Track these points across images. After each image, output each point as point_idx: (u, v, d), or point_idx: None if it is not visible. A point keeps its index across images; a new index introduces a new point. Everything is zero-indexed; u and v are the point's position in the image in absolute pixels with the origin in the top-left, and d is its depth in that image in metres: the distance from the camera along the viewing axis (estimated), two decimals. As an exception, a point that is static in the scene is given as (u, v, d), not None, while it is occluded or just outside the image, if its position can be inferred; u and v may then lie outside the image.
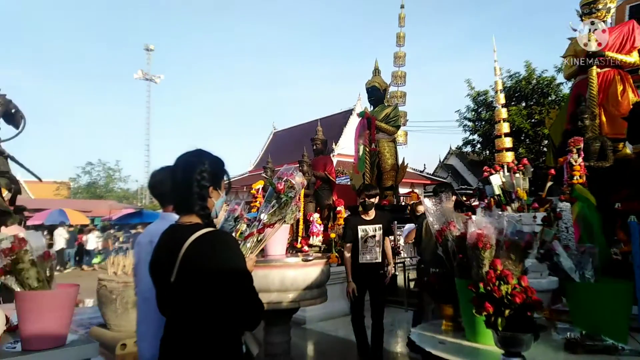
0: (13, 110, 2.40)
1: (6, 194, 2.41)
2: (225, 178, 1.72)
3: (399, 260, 7.05)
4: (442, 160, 29.94)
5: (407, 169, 9.95)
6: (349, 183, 10.53)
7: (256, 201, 7.06)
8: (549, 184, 3.96)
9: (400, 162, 9.05)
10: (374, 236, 4.24)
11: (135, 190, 38.10)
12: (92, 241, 17.32)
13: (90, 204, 25.30)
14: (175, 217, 1.99)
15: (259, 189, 7.91)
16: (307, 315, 5.95)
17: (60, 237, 15.98)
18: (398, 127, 9.28)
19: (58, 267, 15.86)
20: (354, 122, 22.79)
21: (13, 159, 2.39)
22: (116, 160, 46.34)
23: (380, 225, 4.28)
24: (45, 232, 15.00)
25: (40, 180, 2.65)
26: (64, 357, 1.73)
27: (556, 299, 3.00)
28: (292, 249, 5.75)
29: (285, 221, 2.19)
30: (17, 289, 1.78)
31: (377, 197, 4.44)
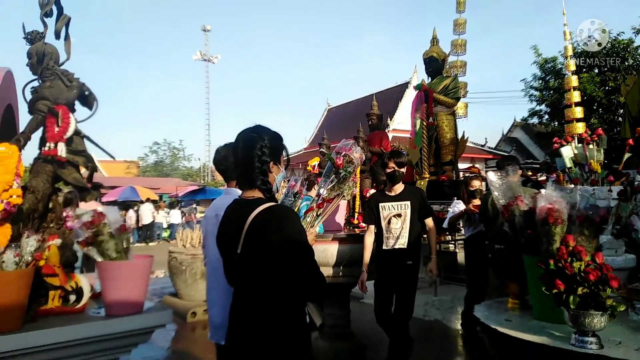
0: (86, 93, 2.55)
1: (84, 172, 2.58)
2: (284, 153, 1.74)
3: (459, 237, 6.89)
4: (505, 133, 28.47)
5: (467, 143, 9.55)
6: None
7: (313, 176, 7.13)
8: (627, 155, 3.65)
9: (460, 135, 8.70)
10: (400, 215, 3.44)
11: (198, 168, 39.84)
12: (161, 216, 18.53)
13: (158, 182, 26.82)
14: (237, 191, 2.07)
15: (314, 165, 7.97)
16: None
17: (148, 212, 17.39)
18: (458, 99, 8.87)
19: (146, 240, 17.37)
20: (409, 96, 22.14)
21: (89, 138, 2.55)
22: (180, 140, 48.56)
23: (408, 203, 3.45)
24: (119, 208, 16.21)
25: (113, 158, 2.82)
26: (142, 322, 1.88)
27: (634, 277, 2.81)
28: (349, 225, 5.77)
29: (343, 196, 2.19)
30: (99, 259, 1.94)
31: (405, 167, 3.55)
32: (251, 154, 1.61)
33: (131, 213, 16.83)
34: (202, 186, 24.05)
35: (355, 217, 6.48)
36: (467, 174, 6.47)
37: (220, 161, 2.17)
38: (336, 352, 3.59)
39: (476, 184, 4.84)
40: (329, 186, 2.15)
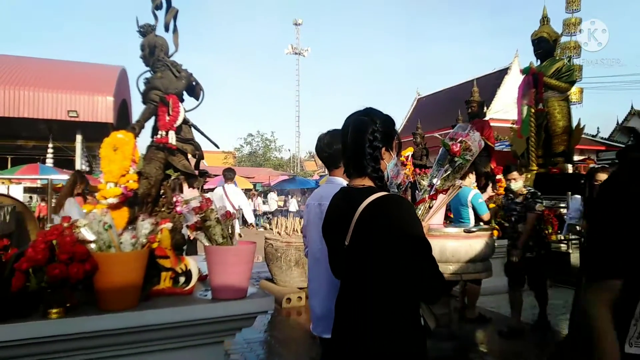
0: (194, 83, 2.62)
1: (191, 160, 2.67)
2: (396, 138, 1.60)
3: (573, 237, 6.18)
4: (620, 122, 25.19)
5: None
6: (507, 149, 9.57)
7: (405, 168, 6.87)
8: None
9: (575, 124, 7.81)
10: None
11: (288, 159, 41.11)
12: (257, 204, 19.69)
13: (252, 171, 28.15)
14: (341, 180, 1.97)
15: (408, 155, 7.69)
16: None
17: (273, 201, 18.75)
18: (572, 83, 7.97)
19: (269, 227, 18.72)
20: (509, 83, 20.54)
21: (196, 127, 2.62)
22: (271, 132, 50.47)
23: None
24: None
25: (217, 147, 2.89)
26: (247, 308, 1.88)
27: None
28: (446, 218, 5.45)
29: (460, 186, 1.99)
30: (206, 243, 1.97)
31: None
32: (362, 139, 1.48)
33: (270, 201, 18.35)
34: (293, 176, 24.78)
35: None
36: (592, 166, 5.74)
37: (323, 148, 2.09)
38: (439, 352, 3.40)
39: (603, 177, 4.21)
40: (443, 175, 1.96)
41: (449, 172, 1.95)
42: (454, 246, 3.33)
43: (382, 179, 1.50)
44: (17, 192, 11.94)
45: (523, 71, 8.22)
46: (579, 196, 4.58)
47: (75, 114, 17.98)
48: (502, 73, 23.45)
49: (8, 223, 5.05)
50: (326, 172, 2.52)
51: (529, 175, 7.09)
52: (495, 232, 5.69)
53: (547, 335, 4.52)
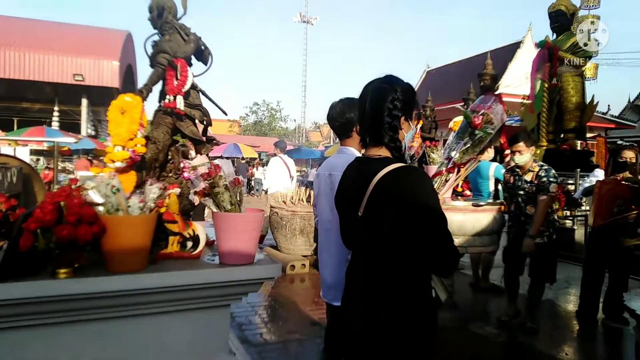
0: (202, 47, 2.55)
1: (199, 125, 2.63)
2: (415, 108, 1.55)
3: (579, 213, 6.16)
4: (632, 100, 24.69)
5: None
6: (517, 124, 9.42)
7: (414, 141, 6.80)
8: None
9: (588, 100, 7.64)
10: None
11: (293, 129, 40.92)
12: (259, 173, 19.61)
13: (257, 140, 28.10)
14: (352, 150, 1.94)
15: (416, 128, 7.58)
16: (468, 261, 5.70)
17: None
18: (589, 57, 7.74)
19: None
20: (522, 57, 20.08)
21: (204, 93, 2.58)
22: (277, 101, 50.08)
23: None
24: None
25: (225, 114, 2.84)
26: (254, 273, 1.89)
27: None
28: (453, 192, 5.43)
29: (479, 160, 1.94)
30: (214, 209, 1.97)
31: None
32: (381, 107, 1.44)
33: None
34: (297, 146, 24.71)
35: (459, 185, 6.09)
36: (619, 142, 5.61)
37: (334, 117, 2.04)
38: (450, 322, 3.45)
39: (629, 154, 4.06)
40: (462, 148, 1.90)
41: (468, 145, 1.90)
42: (460, 220, 3.32)
43: (399, 149, 1.47)
44: (23, 153, 11.96)
45: (538, 45, 7.99)
46: (601, 171, 4.47)
47: (81, 78, 17.86)
48: (515, 47, 22.89)
49: (15, 184, 5.08)
50: (331, 143, 2.48)
51: (537, 151, 7.00)
52: (502, 207, 5.69)
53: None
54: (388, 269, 1.37)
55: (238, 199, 1.98)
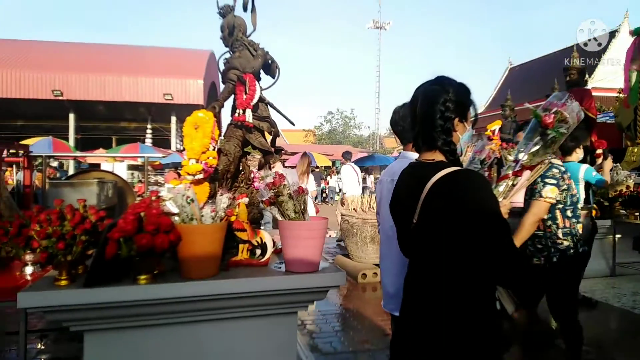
0: (270, 61, 2.64)
1: (268, 137, 2.72)
2: (471, 109, 1.48)
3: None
4: None
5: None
6: (611, 121, 8.56)
7: (491, 143, 6.44)
8: None
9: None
10: None
11: (368, 136, 40.80)
12: (334, 181, 19.78)
13: (331, 149, 28.39)
14: (415, 155, 1.89)
15: (494, 129, 7.19)
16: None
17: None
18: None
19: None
20: (617, 47, 18.26)
21: (272, 105, 2.66)
22: (351, 109, 50.30)
23: None
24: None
25: (293, 124, 2.91)
26: (318, 281, 1.90)
27: None
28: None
29: (550, 162, 1.80)
30: (279, 218, 2.02)
31: None
32: (432, 110, 1.39)
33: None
34: (372, 153, 24.58)
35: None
36: None
37: (397, 122, 2.00)
38: (517, 337, 3.20)
39: None
40: (532, 150, 1.77)
41: (538, 146, 1.75)
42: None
43: (454, 152, 1.40)
44: (121, 169, 13.25)
45: (633, 32, 7.20)
46: None
47: (170, 97, 19.41)
48: (609, 36, 20.88)
49: (111, 197, 5.65)
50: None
51: (635, 150, 6.28)
52: (594, 212, 5.17)
53: None
54: (446, 279, 1.30)
55: (302, 207, 2.01)
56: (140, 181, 14.51)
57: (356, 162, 22.65)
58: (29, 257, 2.16)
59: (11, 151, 5.55)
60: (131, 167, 16.54)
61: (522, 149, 1.79)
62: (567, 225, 2.67)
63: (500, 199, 1.73)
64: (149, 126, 21.04)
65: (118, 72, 19.07)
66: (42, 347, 3.53)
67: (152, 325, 1.79)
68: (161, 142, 21.49)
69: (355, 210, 5.81)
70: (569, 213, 2.67)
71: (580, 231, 2.79)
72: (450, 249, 1.29)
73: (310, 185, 6.68)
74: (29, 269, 2.24)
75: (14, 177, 9.67)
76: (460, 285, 1.29)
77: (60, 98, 18.29)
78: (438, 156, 1.41)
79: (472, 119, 1.48)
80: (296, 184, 2.06)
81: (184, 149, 2.28)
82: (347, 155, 9.25)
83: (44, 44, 20.57)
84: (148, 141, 20.27)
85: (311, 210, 6.43)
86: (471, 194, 1.28)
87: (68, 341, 3.52)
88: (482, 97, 30.03)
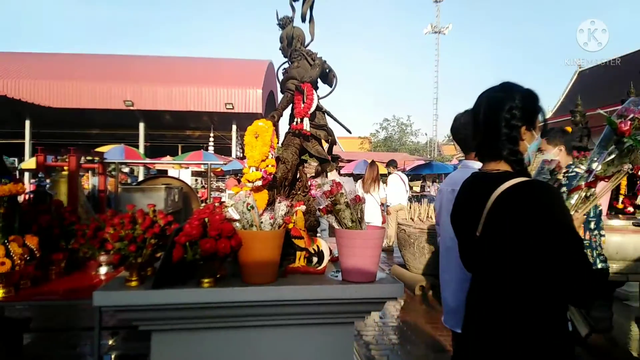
0: (327, 70, 2.67)
1: (325, 145, 2.74)
2: (540, 116, 1.40)
3: None
4: None
5: None
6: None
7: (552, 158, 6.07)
8: None
9: None
10: None
11: (425, 143, 39.95)
12: (382, 191, 19.60)
13: (387, 156, 28.04)
14: (478, 164, 1.82)
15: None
16: (632, 290, 4.83)
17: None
18: None
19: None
20: None
21: (329, 113, 2.68)
22: (408, 115, 49.57)
23: None
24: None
25: (349, 132, 2.91)
26: (375, 292, 1.88)
27: None
28: (611, 209, 4.68)
29: (628, 171, 1.66)
30: (336, 226, 2.02)
31: None
32: (497, 118, 1.33)
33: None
34: (429, 161, 23.99)
35: (620, 200, 5.26)
36: None
37: (458, 129, 1.94)
38: None
39: None
40: (606, 160, 1.64)
41: (613, 155, 1.62)
42: (618, 241, 2.84)
43: (521, 162, 1.33)
44: (185, 175, 13.91)
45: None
46: None
47: (231, 106, 20.20)
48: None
49: (177, 202, 5.94)
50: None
51: None
52: None
53: None
54: (512, 296, 1.23)
55: (359, 216, 2.00)
56: (203, 187, 15.17)
57: (413, 170, 22.34)
58: (103, 258, 2.31)
59: (87, 158, 6.00)
60: (195, 174, 17.34)
61: (595, 159, 1.66)
62: (587, 237, 2.56)
63: (572, 212, 1.62)
64: (211, 134, 21.97)
65: (184, 83, 20.16)
66: (113, 344, 3.76)
67: (213, 327, 1.86)
68: (223, 149, 22.37)
69: (413, 220, 5.69)
70: (592, 225, 2.51)
71: (604, 245, 2.63)
72: (518, 264, 1.22)
73: (382, 193, 6.69)
74: (103, 269, 2.40)
75: (89, 182, 10.47)
76: (528, 304, 1.22)
77: (131, 108, 19.65)
78: (503, 166, 1.35)
79: (540, 126, 1.39)
80: (353, 192, 2.06)
81: (244, 157, 2.36)
82: (393, 164, 9.13)
83: (116, 57, 22.22)
84: (210, 149, 21.16)
85: (378, 218, 6.39)
86: (544, 207, 1.20)
87: (137, 339, 3.73)
88: (549, 102, 28.45)
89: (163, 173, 14.34)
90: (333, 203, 1.99)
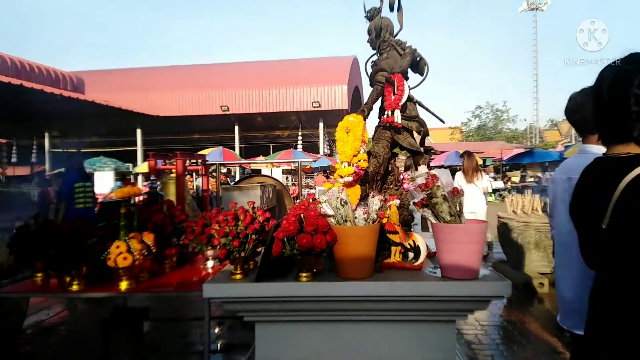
0: (418, 59, 2.57)
1: (416, 137, 2.65)
2: None
3: None
4: None
5: None
6: None
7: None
8: None
9: None
10: None
11: (524, 130, 37.12)
12: (485, 180, 18.44)
13: (481, 146, 26.61)
14: (597, 149, 1.62)
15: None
16: None
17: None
18: None
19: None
20: None
21: (420, 103, 2.59)
22: (503, 101, 46.47)
23: None
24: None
25: (443, 122, 2.78)
26: (479, 290, 1.77)
27: None
28: None
29: None
30: (433, 221, 1.94)
31: None
32: (625, 94, 1.15)
33: None
34: (529, 149, 22.20)
35: None
36: None
37: (574, 110, 1.73)
38: None
39: None
40: None
41: None
42: None
43: None
44: (277, 173, 14.50)
45: None
46: None
47: (318, 104, 20.61)
48: None
49: (271, 199, 6.21)
50: (573, 142, 2.13)
51: None
52: None
53: None
54: None
55: (458, 209, 1.90)
56: (293, 184, 15.68)
57: (511, 159, 20.89)
58: (210, 252, 2.47)
59: (192, 161, 6.52)
60: (285, 172, 17.99)
61: None
62: None
63: None
64: (299, 133, 22.61)
65: (273, 85, 21.03)
66: (219, 333, 4.04)
67: (312, 321, 1.89)
68: (310, 147, 22.92)
69: (516, 213, 5.29)
70: None
71: None
72: None
73: (484, 182, 6.37)
74: (210, 263, 2.58)
75: (193, 182, 11.37)
76: None
77: (227, 112, 20.98)
78: (634, 149, 1.17)
79: None
80: (450, 185, 1.96)
81: (332, 153, 2.38)
82: (431, 155, 8.52)
83: (213, 66, 23.82)
84: (299, 147, 21.79)
85: (483, 207, 6.08)
86: None
87: (241, 329, 3.96)
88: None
89: (257, 172, 15.09)
90: (429, 196, 1.91)
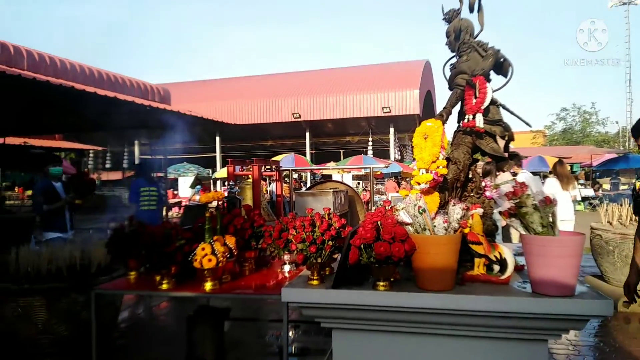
0: (501, 60, 2.44)
1: (500, 142, 2.51)
2: None
3: None
4: None
5: None
6: None
7: None
8: None
9: None
10: None
11: (616, 133, 33.85)
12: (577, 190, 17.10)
13: (567, 150, 24.64)
14: None
15: None
16: None
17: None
18: None
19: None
20: None
21: (505, 107, 2.45)
22: (592, 103, 42.78)
23: None
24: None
25: (529, 126, 2.61)
26: (576, 308, 1.62)
27: None
28: None
29: None
30: (522, 231, 1.81)
31: None
32: None
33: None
34: (623, 153, 20.19)
35: None
36: None
37: None
38: None
39: None
40: None
41: None
42: None
43: None
44: (347, 179, 14.52)
45: None
46: None
47: (388, 110, 20.43)
48: None
49: (343, 205, 6.22)
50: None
51: None
52: None
53: None
54: None
55: (551, 220, 1.75)
56: (364, 189, 15.61)
57: (602, 165, 19.12)
58: (286, 257, 2.52)
59: (267, 167, 6.74)
60: (355, 177, 17.97)
61: None
62: None
63: None
64: (370, 138, 22.51)
65: (343, 92, 21.19)
66: (295, 336, 4.10)
67: (390, 331, 1.85)
68: (381, 153, 22.70)
69: (611, 224, 4.82)
70: None
71: None
72: None
73: (575, 192, 5.96)
74: (286, 267, 2.62)
75: (267, 188, 11.74)
76: None
77: (299, 119, 21.48)
78: None
79: None
80: (541, 194, 1.82)
81: (403, 159, 2.32)
82: (517, 160, 7.53)
83: (286, 75, 24.55)
84: (369, 152, 21.68)
85: (571, 215, 5.66)
86: None
87: (316, 334, 3.99)
88: None
89: (328, 178, 15.23)
90: (518, 205, 1.79)
